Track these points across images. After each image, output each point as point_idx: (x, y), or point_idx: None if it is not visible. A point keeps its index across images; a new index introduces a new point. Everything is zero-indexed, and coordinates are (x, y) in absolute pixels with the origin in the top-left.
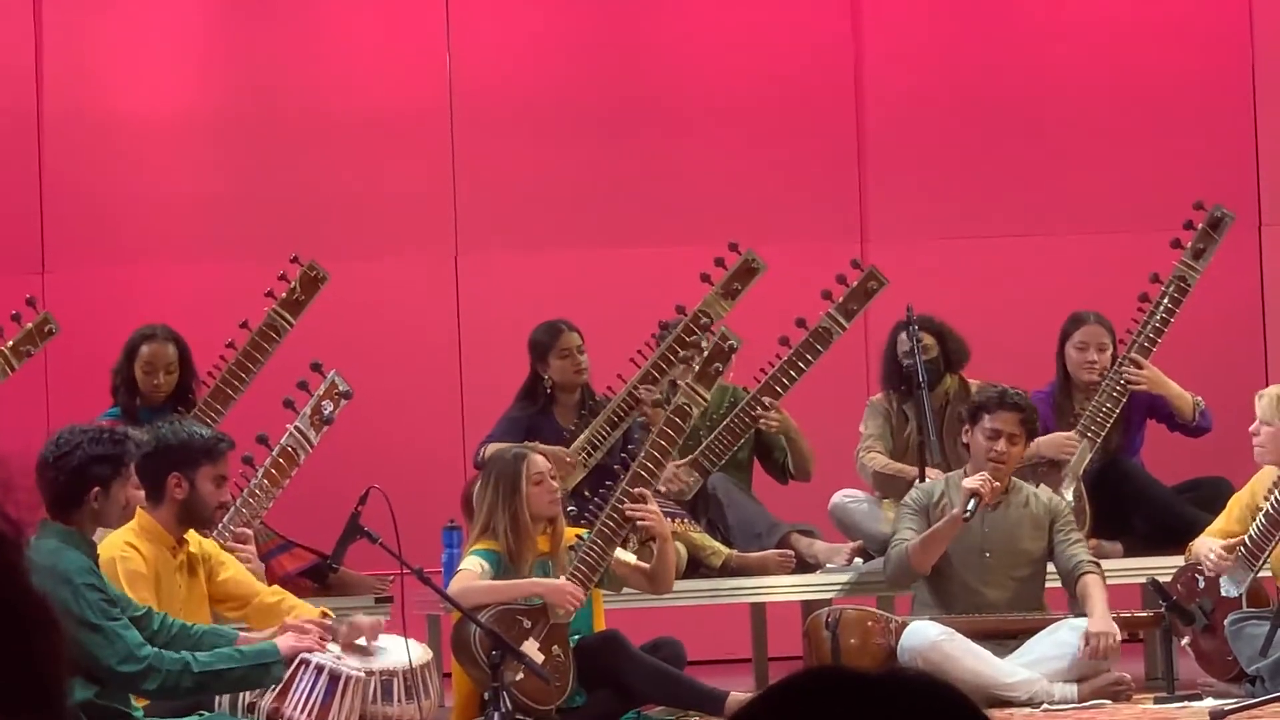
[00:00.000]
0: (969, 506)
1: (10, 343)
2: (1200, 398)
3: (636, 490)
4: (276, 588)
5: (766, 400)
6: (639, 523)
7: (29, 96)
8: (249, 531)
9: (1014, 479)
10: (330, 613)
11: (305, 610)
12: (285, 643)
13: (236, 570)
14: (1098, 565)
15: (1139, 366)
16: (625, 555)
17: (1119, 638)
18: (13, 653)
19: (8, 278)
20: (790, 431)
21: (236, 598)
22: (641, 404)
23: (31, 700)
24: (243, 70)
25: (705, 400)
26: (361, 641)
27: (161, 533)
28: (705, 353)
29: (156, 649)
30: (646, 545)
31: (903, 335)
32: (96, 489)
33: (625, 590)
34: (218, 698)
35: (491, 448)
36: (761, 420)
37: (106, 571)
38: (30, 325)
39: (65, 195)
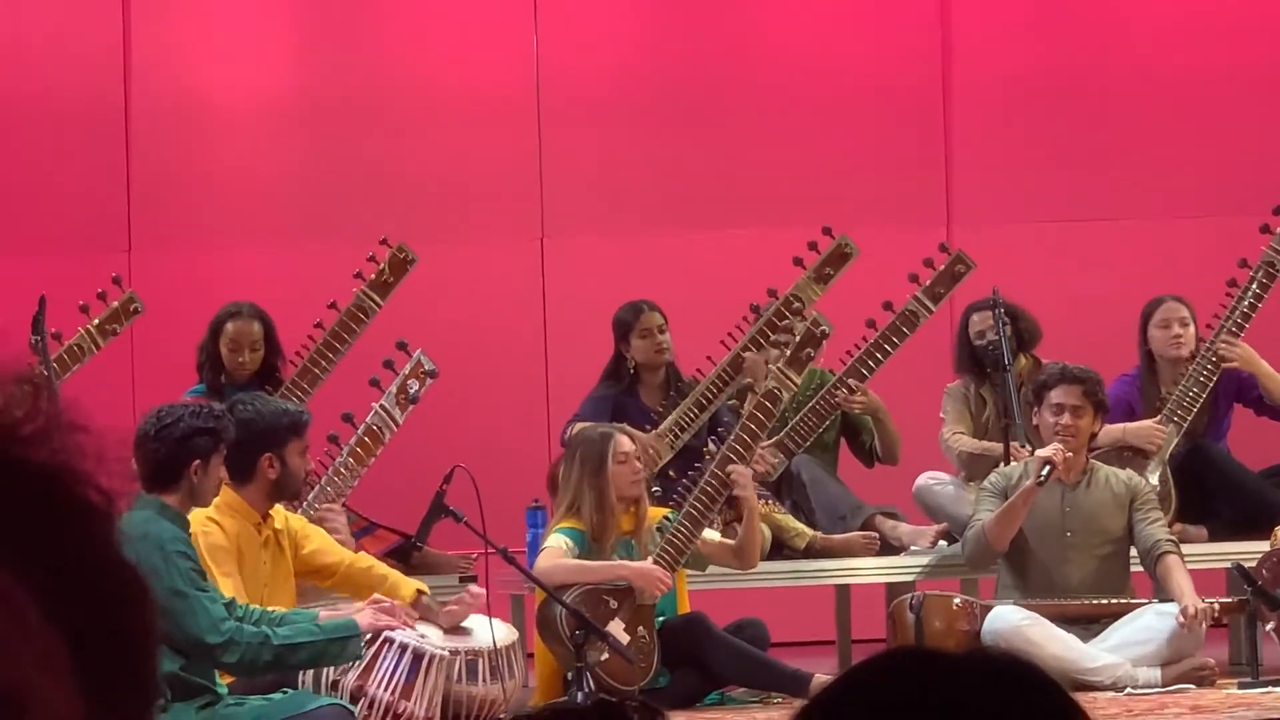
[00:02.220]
0: (1043, 473)
1: (96, 321)
2: None
3: (733, 466)
4: (364, 554)
5: (853, 382)
6: (734, 492)
7: (117, 78)
8: (337, 508)
9: (1093, 460)
10: (426, 589)
11: (399, 582)
12: (365, 619)
13: (322, 541)
14: (1177, 545)
15: (1232, 343)
16: (710, 534)
17: (1212, 610)
18: (103, 626)
19: (94, 256)
20: (878, 412)
21: (326, 567)
22: (748, 369)
23: (121, 673)
24: (330, 53)
25: (796, 385)
26: (466, 621)
27: (247, 509)
28: (797, 338)
29: (237, 623)
30: (731, 526)
31: (975, 317)
32: (197, 462)
33: (709, 571)
34: (301, 676)
35: (578, 427)
36: (845, 403)
37: None
38: (116, 304)
39: (152, 175)
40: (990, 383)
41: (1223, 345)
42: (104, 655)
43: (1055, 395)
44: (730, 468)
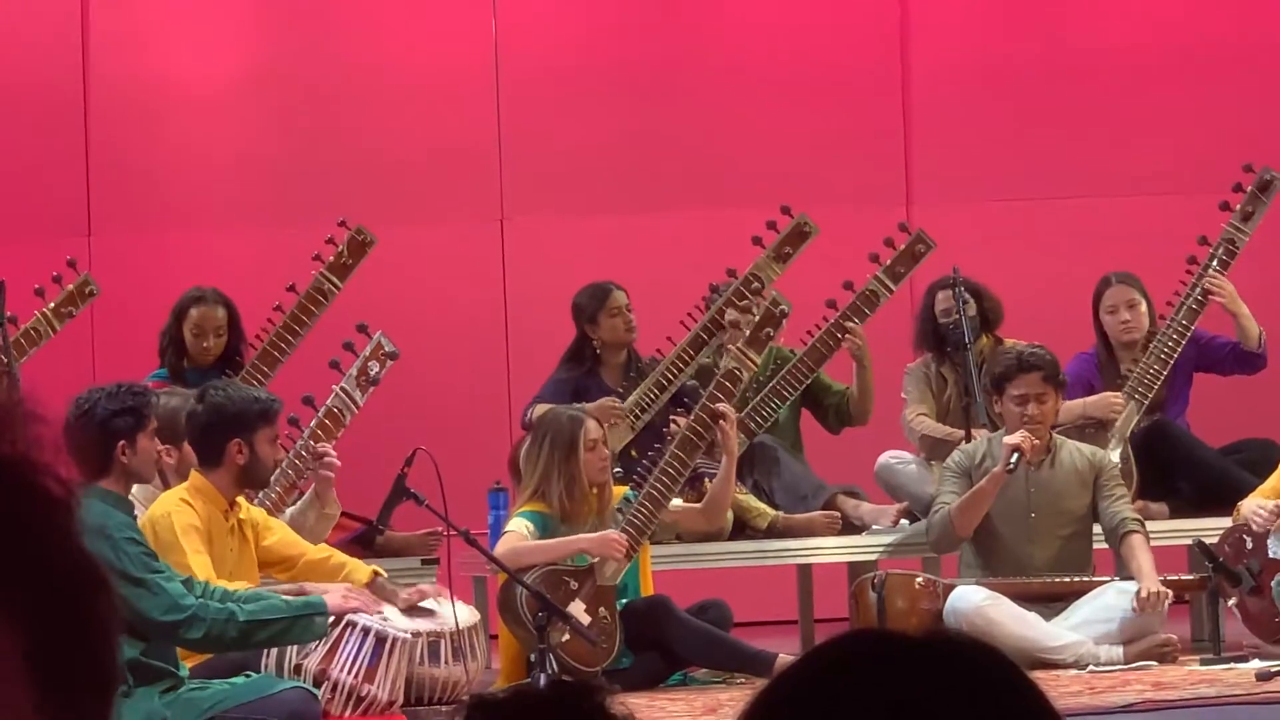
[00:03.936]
0: (1011, 461)
1: (52, 304)
2: (1264, 331)
3: (720, 406)
4: (323, 545)
5: (851, 322)
6: (719, 426)
7: (75, 62)
8: (329, 447)
9: (1056, 436)
10: (382, 571)
11: (354, 567)
12: (334, 599)
13: (283, 533)
14: (1142, 524)
15: (1219, 280)
16: (675, 502)
17: (1169, 595)
18: (66, 618)
19: (54, 240)
20: (865, 359)
21: (285, 559)
22: (730, 327)
23: (81, 662)
24: (287, 35)
25: (755, 365)
26: (429, 603)
27: (216, 494)
28: (756, 317)
29: (200, 600)
30: (697, 484)
31: (940, 295)
32: (123, 443)
33: (671, 552)
34: (264, 659)
35: (539, 409)
36: (846, 342)
37: (161, 526)
38: (71, 287)
39: (111, 159)
40: (951, 362)
41: (1209, 280)
42: (64, 644)
43: (1017, 386)
44: (720, 405)
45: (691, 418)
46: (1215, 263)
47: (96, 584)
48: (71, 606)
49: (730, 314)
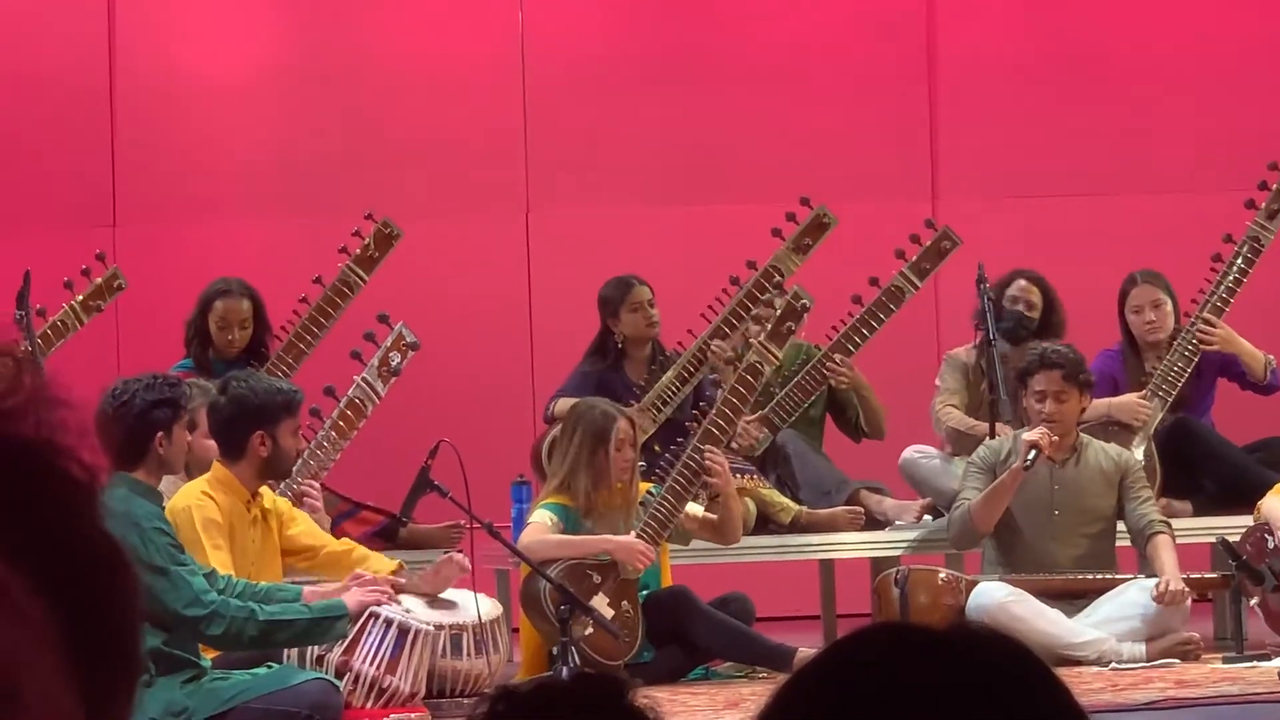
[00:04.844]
0: (1029, 458)
1: (80, 297)
2: (1272, 356)
3: (709, 449)
4: (345, 539)
5: (839, 356)
6: (708, 478)
7: (102, 54)
8: (316, 485)
9: (1082, 435)
10: (404, 566)
11: (377, 562)
12: (353, 599)
13: (306, 524)
14: (1168, 525)
15: (1212, 325)
16: (693, 508)
17: (1188, 594)
18: (87, 600)
19: (80, 231)
20: (861, 388)
21: (307, 549)
22: (714, 357)
23: (106, 647)
24: (314, 27)
25: (778, 359)
26: (450, 595)
27: (238, 486)
28: (778, 311)
29: (222, 596)
30: (716, 500)
31: (1020, 284)
32: (160, 434)
33: (694, 546)
34: (285, 650)
35: (562, 402)
36: (832, 376)
37: (182, 520)
38: (100, 280)
39: (137, 150)
40: (987, 356)
41: (1201, 330)
42: (88, 630)
43: (1037, 382)
44: (707, 455)
45: (714, 412)
46: (1240, 260)
47: (121, 569)
48: (97, 591)
49: (716, 345)
